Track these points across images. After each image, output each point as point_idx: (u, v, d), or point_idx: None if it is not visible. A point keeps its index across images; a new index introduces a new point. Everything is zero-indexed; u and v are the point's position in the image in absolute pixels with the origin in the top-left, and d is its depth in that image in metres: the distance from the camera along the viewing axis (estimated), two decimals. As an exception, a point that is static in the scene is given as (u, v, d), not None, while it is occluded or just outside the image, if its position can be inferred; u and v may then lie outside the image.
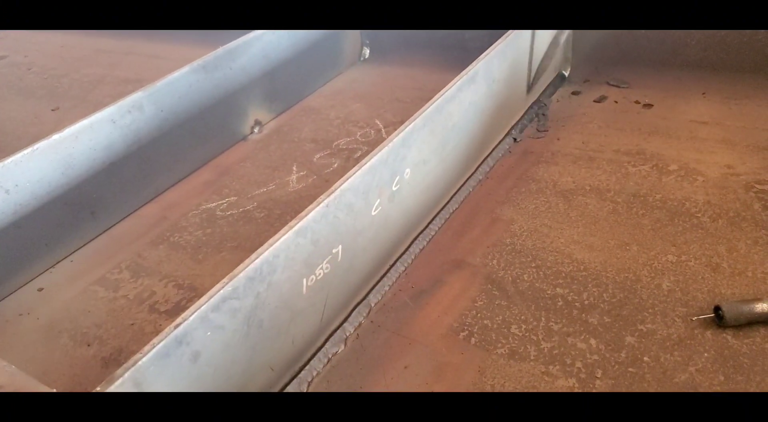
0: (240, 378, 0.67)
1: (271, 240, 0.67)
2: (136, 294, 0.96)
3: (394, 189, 0.86)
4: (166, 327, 0.58)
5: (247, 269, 0.64)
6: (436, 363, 0.76)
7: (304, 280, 0.73)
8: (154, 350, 0.55)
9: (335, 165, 1.23)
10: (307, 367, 0.77)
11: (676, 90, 1.25)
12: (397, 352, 0.78)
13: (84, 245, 1.09)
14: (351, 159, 1.23)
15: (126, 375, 0.53)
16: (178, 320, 0.58)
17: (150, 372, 0.56)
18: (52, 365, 0.86)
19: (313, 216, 0.72)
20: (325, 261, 0.76)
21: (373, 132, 1.32)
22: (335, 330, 0.81)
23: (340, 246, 0.78)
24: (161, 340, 0.56)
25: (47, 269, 1.05)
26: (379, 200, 0.83)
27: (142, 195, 1.19)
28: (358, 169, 0.78)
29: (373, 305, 0.86)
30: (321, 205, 0.73)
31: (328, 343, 0.80)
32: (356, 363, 0.78)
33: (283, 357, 0.73)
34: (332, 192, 0.75)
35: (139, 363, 0.54)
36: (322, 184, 1.17)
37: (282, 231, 0.69)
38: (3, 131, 1.62)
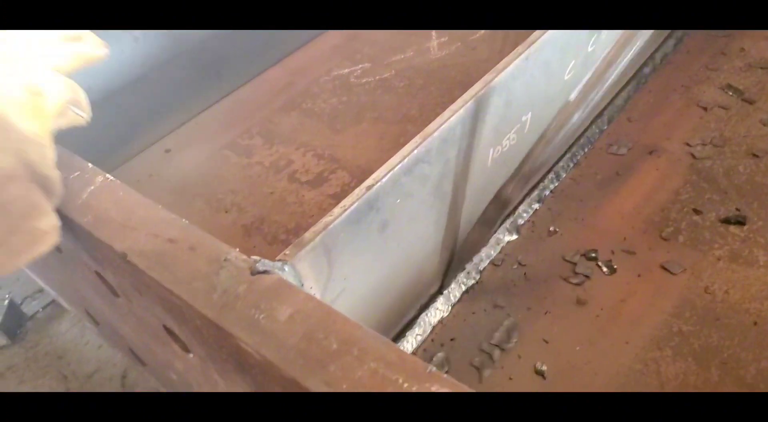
0: (418, 257, 0.58)
1: (465, 96, 0.55)
2: (272, 161, 0.87)
3: (589, 49, 0.70)
4: (354, 191, 0.47)
5: (441, 128, 0.52)
6: (637, 261, 0.64)
7: (491, 150, 0.61)
8: (346, 213, 0.45)
9: (481, 31, 1.06)
10: (478, 254, 0.66)
11: None
12: (585, 244, 0.66)
13: (209, 107, 1.00)
14: (500, 27, 1.06)
15: (317, 239, 0.44)
16: (369, 181, 0.48)
17: (340, 237, 0.46)
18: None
19: (510, 71, 0.58)
20: (512, 131, 0.63)
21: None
22: (509, 215, 0.70)
23: (530, 114, 0.64)
24: (352, 203, 0.46)
25: (173, 130, 0.97)
26: (573, 62, 0.68)
27: (268, 57, 1.07)
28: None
29: (549, 191, 0.74)
30: (520, 58, 0.59)
31: (501, 229, 0.69)
32: (533, 253, 0.67)
33: (460, 237, 0.63)
34: (531, 43, 0.60)
35: (331, 226, 0.45)
36: (468, 52, 1.02)
37: (477, 86, 0.56)
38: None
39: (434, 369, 0.34)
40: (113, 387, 1.06)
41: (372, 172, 0.48)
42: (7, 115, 0.38)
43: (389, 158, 0.49)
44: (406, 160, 0.49)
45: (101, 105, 0.87)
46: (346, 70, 1.03)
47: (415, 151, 0.50)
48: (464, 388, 0.33)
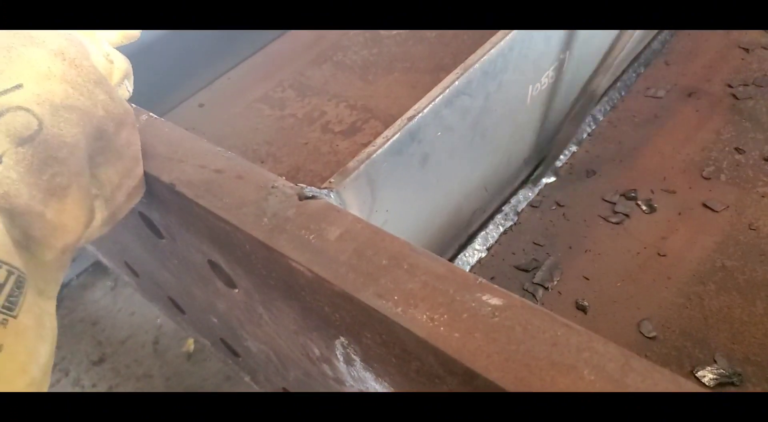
0: (457, 195, 0.58)
1: (504, 31, 0.54)
2: (305, 113, 0.87)
3: (629, -12, 0.68)
4: (393, 127, 0.47)
5: (482, 60, 0.51)
6: (678, 199, 0.63)
7: (530, 87, 0.60)
8: (388, 143, 0.46)
9: (514, -18, 1.04)
10: (517, 194, 0.66)
11: None
12: (624, 185, 0.66)
13: (241, 62, 1.01)
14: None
15: (361, 167, 0.44)
16: (411, 113, 0.47)
17: (383, 168, 0.46)
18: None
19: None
20: (551, 68, 0.62)
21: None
22: (545, 158, 0.69)
23: (568, 53, 0.63)
24: (395, 134, 0.46)
25: (206, 85, 0.98)
26: (613, 0, 0.66)
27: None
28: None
29: (587, 134, 0.73)
30: (560, -7, 0.57)
31: (538, 171, 0.68)
32: (572, 194, 0.66)
33: (498, 178, 0.63)
34: (571, -23, 0.59)
35: (374, 155, 0.45)
36: (500, 2, 1.00)
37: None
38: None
39: (483, 280, 0.34)
40: (146, 352, 1.09)
41: None
42: (103, 75, 0.39)
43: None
44: (447, 92, 0.49)
45: (134, 60, 0.88)
46: (376, 23, 1.02)
47: (456, 82, 0.49)
48: (515, 297, 0.33)
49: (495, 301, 0.33)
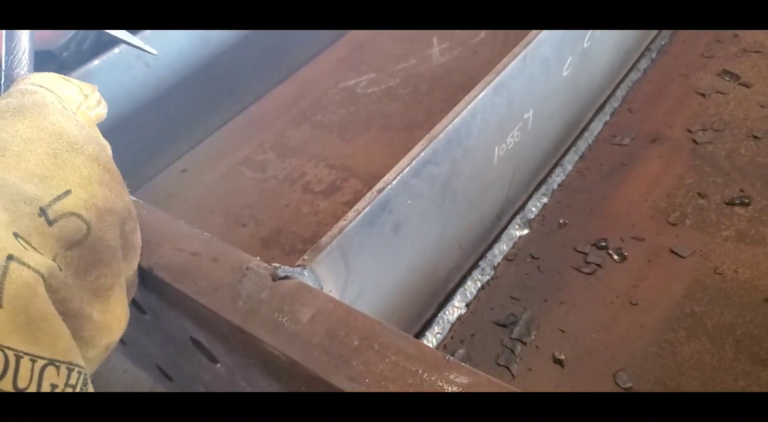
0: (433, 254, 0.59)
1: (467, 98, 0.57)
2: (286, 174, 0.89)
3: (585, 45, 0.72)
4: (366, 194, 0.49)
5: (446, 130, 0.54)
6: (646, 246, 0.65)
7: (496, 149, 0.63)
8: (360, 216, 0.48)
9: (482, 35, 1.08)
10: (492, 249, 0.68)
11: None
12: (595, 234, 0.68)
13: (222, 125, 1.03)
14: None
15: (333, 242, 0.46)
16: (380, 185, 0.50)
17: (355, 240, 0.48)
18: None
19: (510, 70, 0.60)
20: (516, 128, 0.65)
21: None
22: (519, 210, 0.72)
23: (531, 111, 0.66)
24: (365, 206, 0.48)
25: (188, 150, 1.00)
26: (571, 58, 0.70)
27: (276, 73, 1.10)
28: (555, 17, 0.64)
29: (557, 185, 0.75)
30: (518, 58, 0.60)
31: (512, 224, 0.70)
32: (545, 246, 0.68)
33: (472, 235, 0.65)
34: (528, 43, 0.62)
35: (346, 230, 0.47)
36: (469, 55, 1.04)
37: (477, 88, 0.58)
38: None
39: (452, 358, 0.36)
40: None
41: (382, 178, 0.50)
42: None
43: (397, 164, 0.51)
44: (414, 163, 0.51)
45: (116, 130, 0.91)
46: (352, 82, 1.05)
47: (422, 153, 0.52)
48: (482, 375, 0.34)
49: (462, 380, 0.34)
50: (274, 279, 0.42)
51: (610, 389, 0.54)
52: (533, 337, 0.60)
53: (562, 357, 0.57)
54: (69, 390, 0.32)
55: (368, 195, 0.49)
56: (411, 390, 0.34)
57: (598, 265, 0.64)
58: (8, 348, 0.29)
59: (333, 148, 0.92)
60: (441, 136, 0.53)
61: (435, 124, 0.54)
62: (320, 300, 0.40)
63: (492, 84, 0.58)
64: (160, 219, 0.50)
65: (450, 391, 0.34)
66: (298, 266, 0.45)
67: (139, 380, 0.93)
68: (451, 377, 0.34)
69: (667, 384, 0.53)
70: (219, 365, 0.50)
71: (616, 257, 0.65)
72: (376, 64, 1.08)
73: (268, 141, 0.97)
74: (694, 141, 0.75)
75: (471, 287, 0.66)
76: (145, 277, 0.46)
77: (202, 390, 0.68)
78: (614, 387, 0.54)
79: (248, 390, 0.51)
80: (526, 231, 0.70)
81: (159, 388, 0.95)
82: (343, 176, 0.86)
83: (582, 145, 0.79)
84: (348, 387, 0.35)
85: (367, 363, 0.36)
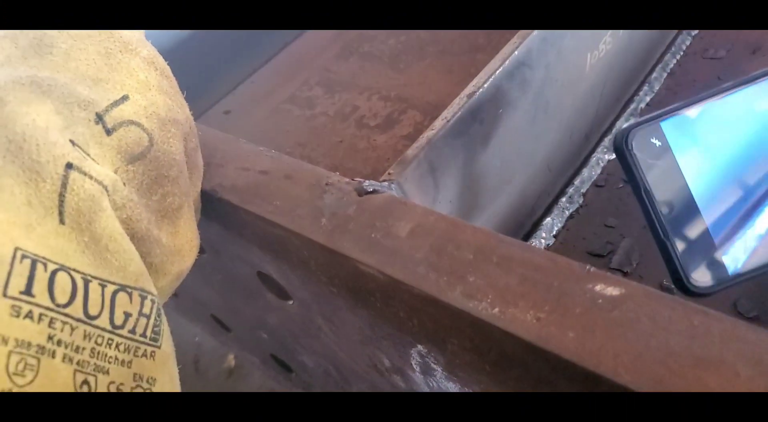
0: (521, 177, 0.53)
1: (558, -8, 0.49)
2: (337, 110, 0.83)
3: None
4: (453, 106, 0.42)
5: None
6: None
7: (588, 55, 0.55)
8: (450, 124, 0.41)
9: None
10: (580, 175, 0.61)
11: None
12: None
13: (262, 65, 0.97)
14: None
15: (422, 154, 0.40)
16: (470, 89, 0.43)
17: (444, 153, 0.42)
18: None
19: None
20: (608, 34, 0.57)
21: None
22: (607, 131, 0.64)
23: (624, 14, 0.58)
24: (454, 114, 0.41)
25: (229, 91, 0.94)
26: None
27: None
28: None
29: (645, 104, 0.67)
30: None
31: (600, 148, 0.63)
32: (637, 171, 0.61)
33: (562, 154, 0.58)
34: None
35: (434, 140, 0.40)
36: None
37: (569, -18, 0.50)
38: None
39: (594, 268, 0.29)
40: (187, 372, 1.06)
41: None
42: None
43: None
44: (507, 63, 0.44)
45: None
46: (400, 10, 0.97)
47: (516, 52, 0.45)
48: (634, 285, 0.28)
49: (612, 291, 0.28)
50: (360, 194, 0.36)
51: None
52: (635, 266, 0.53)
53: (672, 285, 0.50)
54: (143, 320, 0.27)
55: (457, 101, 0.42)
56: (547, 308, 0.28)
57: (703, 186, 0.57)
58: (74, 269, 0.24)
59: (386, 79, 0.84)
60: (535, 32, 0.46)
61: (498, 46, 0.46)
62: (418, 213, 0.34)
63: (586, -24, 0.50)
64: (219, 139, 0.44)
65: (599, 303, 0.27)
66: (385, 181, 0.39)
67: (183, 342, 0.90)
68: (597, 288, 0.28)
69: (804, 314, 0.46)
70: (291, 301, 0.45)
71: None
72: (425, -9, 1.00)
73: (314, 77, 0.90)
74: (808, 46, 0.66)
75: (558, 217, 0.59)
76: (205, 204, 0.40)
77: (264, 337, 0.63)
78: (737, 316, 0.47)
79: (324, 328, 0.45)
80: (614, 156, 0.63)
81: (209, 342, 0.91)
82: (401, 108, 0.79)
83: (670, 61, 0.71)
84: (467, 306, 0.29)
85: (488, 277, 0.29)
